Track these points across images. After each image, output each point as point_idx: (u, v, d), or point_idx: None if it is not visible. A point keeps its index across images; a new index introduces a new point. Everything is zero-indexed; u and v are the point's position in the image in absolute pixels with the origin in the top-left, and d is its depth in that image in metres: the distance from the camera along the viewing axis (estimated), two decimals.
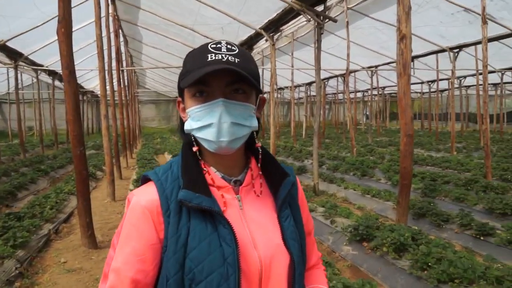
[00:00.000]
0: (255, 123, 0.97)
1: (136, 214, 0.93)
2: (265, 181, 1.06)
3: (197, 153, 0.99)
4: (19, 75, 15.15)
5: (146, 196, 0.95)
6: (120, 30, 13.30)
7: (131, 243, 0.92)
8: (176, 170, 0.99)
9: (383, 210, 6.34)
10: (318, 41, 8.38)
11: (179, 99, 1.02)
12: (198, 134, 0.94)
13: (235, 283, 0.88)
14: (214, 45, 0.92)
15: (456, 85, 17.67)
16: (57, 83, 18.23)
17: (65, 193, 7.47)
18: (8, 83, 18.78)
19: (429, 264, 3.51)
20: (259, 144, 1.05)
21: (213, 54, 0.90)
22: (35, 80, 17.79)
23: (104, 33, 8.88)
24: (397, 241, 3.97)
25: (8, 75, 18.40)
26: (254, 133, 1.01)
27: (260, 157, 1.04)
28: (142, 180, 1.01)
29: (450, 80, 14.49)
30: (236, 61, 0.89)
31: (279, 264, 0.95)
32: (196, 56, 0.92)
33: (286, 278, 0.96)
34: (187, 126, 0.96)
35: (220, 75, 0.89)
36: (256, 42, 11.88)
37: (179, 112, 1.02)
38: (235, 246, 0.89)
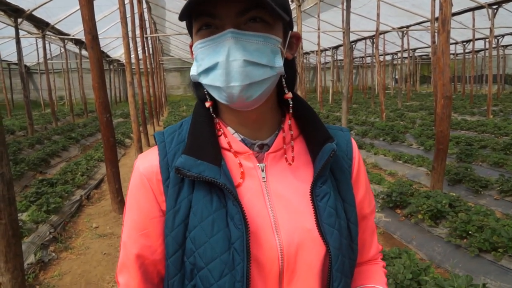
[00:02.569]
0: (279, 63, 0.70)
1: (135, 182, 0.78)
2: (305, 146, 0.82)
3: (210, 109, 0.78)
4: (47, 45, 15.34)
5: (146, 161, 0.79)
6: None
7: (132, 216, 0.78)
8: (185, 130, 0.81)
9: (416, 176, 6.12)
10: (348, 0, 7.92)
11: (191, 42, 0.77)
12: (205, 81, 0.71)
13: (242, 274, 0.69)
14: None
15: (493, 45, 16.63)
16: (84, 52, 18.39)
17: (95, 160, 7.63)
18: (38, 53, 19.12)
19: (469, 232, 3.33)
20: (289, 95, 0.77)
21: None
22: (63, 50, 17.98)
23: (126, 0, 8.71)
24: (434, 208, 3.79)
25: (37, 45, 18.72)
26: (283, 80, 0.75)
27: (291, 111, 0.78)
28: (155, 141, 0.84)
29: (488, 39, 13.59)
30: None
31: (308, 254, 0.73)
32: None
33: (319, 273, 0.75)
34: (193, 70, 0.73)
35: (229, 2, 0.66)
36: None
37: (192, 57, 0.78)
38: (244, 229, 0.69)
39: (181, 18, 0.69)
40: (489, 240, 3.13)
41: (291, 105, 0.78)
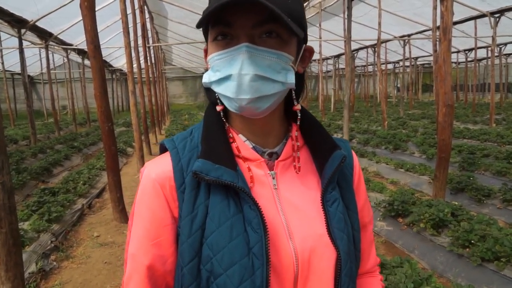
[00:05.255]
0: (291, 79, 0.72)
1: (147, 189, 0.77)
2: (310, 155, 0.84)
3: (221, 114, 0.79)
4: (50, 55, 15.46)
5: (158, 168, 0.78)
6: (145, 6, 13.20)
7: (143, 224, 0.76)
8: (197, 137, 0.81)
9: (418, 185, 6.09)
10: (349, 9, 7.98)
11: (205, 46, 0.80)
12: (217, 89, 0.74)
13: (262, 279, 0.69)
14: None
15: (495, 53, 16.64)
16: (86, 62, 18.51)
17: (97, 169, 7.63)
18: (41, 63, 19.29)
19: (472, 241, 3.30)
20: (298, 107, 0.80)
21: None
22: (65, 60, 18.12)
23: (129, 10, 8.80)
24: (436, 217, 3.76)
25: (40, 55, 18.89)
26: (293, 92, 0.78)
27: (298, 123, 0.81)
28: (160, 149, 0.84)
29: (490, 48, 13.62)
30: None
31: (321, 259, 0.75)
32: None
33: (332, 278, 0.76)
34: (205, 78, 0.76)
35: (246, 13, 0.68)
36: None
37: (206, 63, 0.80)
38: (262, 232, 0.70)
39: (199, 25, 0.71)
40: (492, 249, 3.10)
41: (299, 117, 0.80)
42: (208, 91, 0.81)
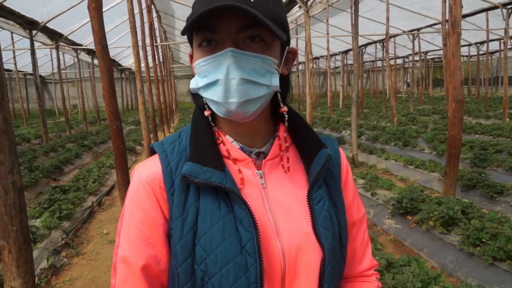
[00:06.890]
0: (275, 82, 0.74)
1: (138, 191, 0.78)
2: (298, 154, 0.85)
3: (209, 118, 0.81)
4: (61, 55, 15.64)
5: (148, 169, 0.79)
6: (152, 6, 13.23)
7: (135, 225, 0.76)
8: (185, 139, 0.82)
9: (428, 182, 6.02)
10: (356, 4, 7.90)
11: (191, 52, 0.81)
12: (205, 94, 0.75)
13: (256, 276, 0.71)
14: None
15: (508, 46, 16.28)
16: (96, 61, 18.66)
17: (106, 167, 7.71)
18: (52, 64, 19.52)
19: (483, 240, 3.25)
20: (284, 109, 0.81)
21: None
22: (76, 60, 18.31)
23: (136, 10, 8.82)
24: (446, 214, 3.71)
25: (51, 56, 19.11)
26: (279, 95, 0.79)
27: (286, 124, 0.82)
28: (150, 152, 0.85)
29: (503, 40, 13.36)
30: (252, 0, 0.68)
31: (307, 258, 0.76)
32: None
33: (317, 276, 0.77)
34: (193, 83, 0.76)
35: (230, 19, 0.69)
36: (289, 10, 11.46)
37: (192, 68, 0.80)
38: (254, 231, 0.71)
39: (184, 32, 0.72)
40: (504, 248, 3.04)
41: (286, 118, 0.81)
42: (195, 96, 0.82)
